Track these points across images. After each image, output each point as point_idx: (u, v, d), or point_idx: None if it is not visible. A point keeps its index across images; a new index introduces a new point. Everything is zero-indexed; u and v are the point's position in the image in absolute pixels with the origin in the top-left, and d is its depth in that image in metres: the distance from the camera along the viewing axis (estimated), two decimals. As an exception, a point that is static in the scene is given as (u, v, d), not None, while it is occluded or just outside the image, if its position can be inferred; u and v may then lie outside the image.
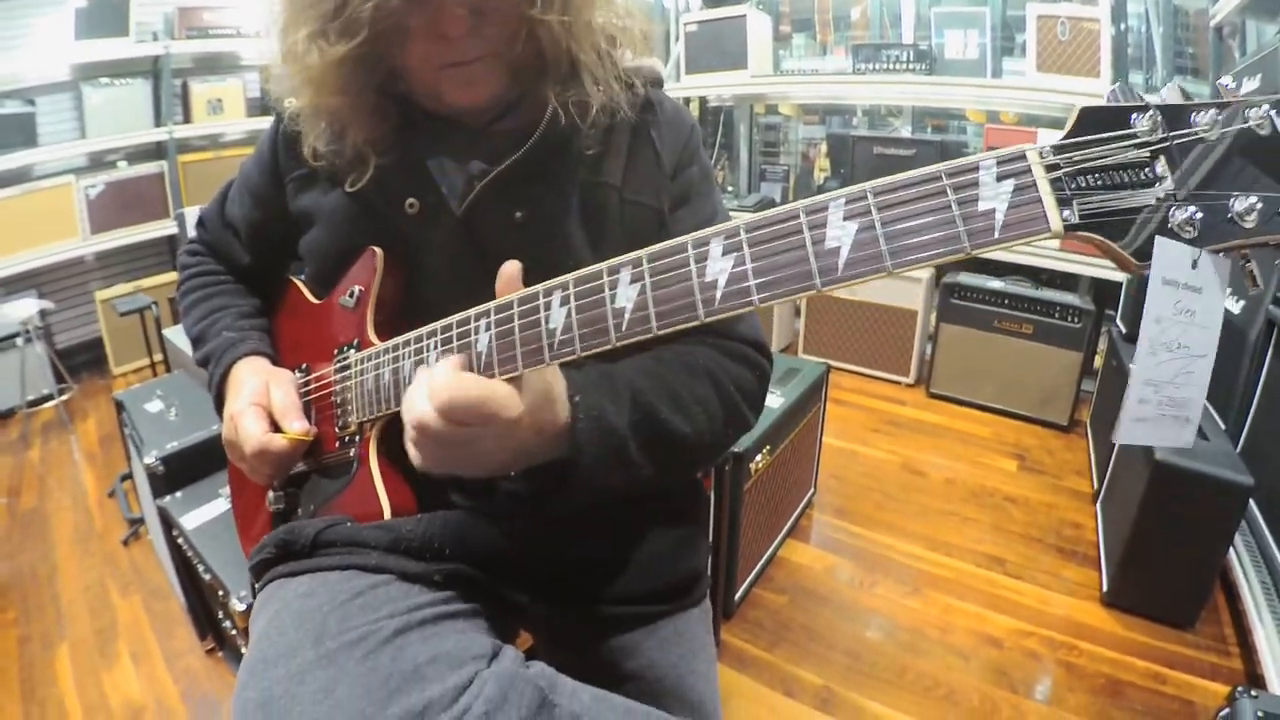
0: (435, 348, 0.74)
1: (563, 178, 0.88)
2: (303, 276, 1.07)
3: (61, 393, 3.68)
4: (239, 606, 1.48)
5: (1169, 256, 0.45)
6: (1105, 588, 2.14)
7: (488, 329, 0.68)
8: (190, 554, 1.70)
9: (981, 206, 0.46)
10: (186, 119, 4.24)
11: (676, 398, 0.81)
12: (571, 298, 0.60)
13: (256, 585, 0.88)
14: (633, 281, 0.56)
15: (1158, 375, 0.49)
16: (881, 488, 2.78)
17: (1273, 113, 0.44)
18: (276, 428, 0.90)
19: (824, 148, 4.16)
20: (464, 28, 0.75)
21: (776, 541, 2.35)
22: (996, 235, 0.46)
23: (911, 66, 3.43)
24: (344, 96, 0.83)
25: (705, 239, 0.53)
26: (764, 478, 2.09)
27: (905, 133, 3.77)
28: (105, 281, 4.08)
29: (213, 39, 4.20)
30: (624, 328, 0.57)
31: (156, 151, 4.18)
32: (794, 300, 0.51)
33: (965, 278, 3.24)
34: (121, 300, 3.43)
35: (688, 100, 4.36)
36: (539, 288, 0.64)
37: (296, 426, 0.89)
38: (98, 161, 4.03)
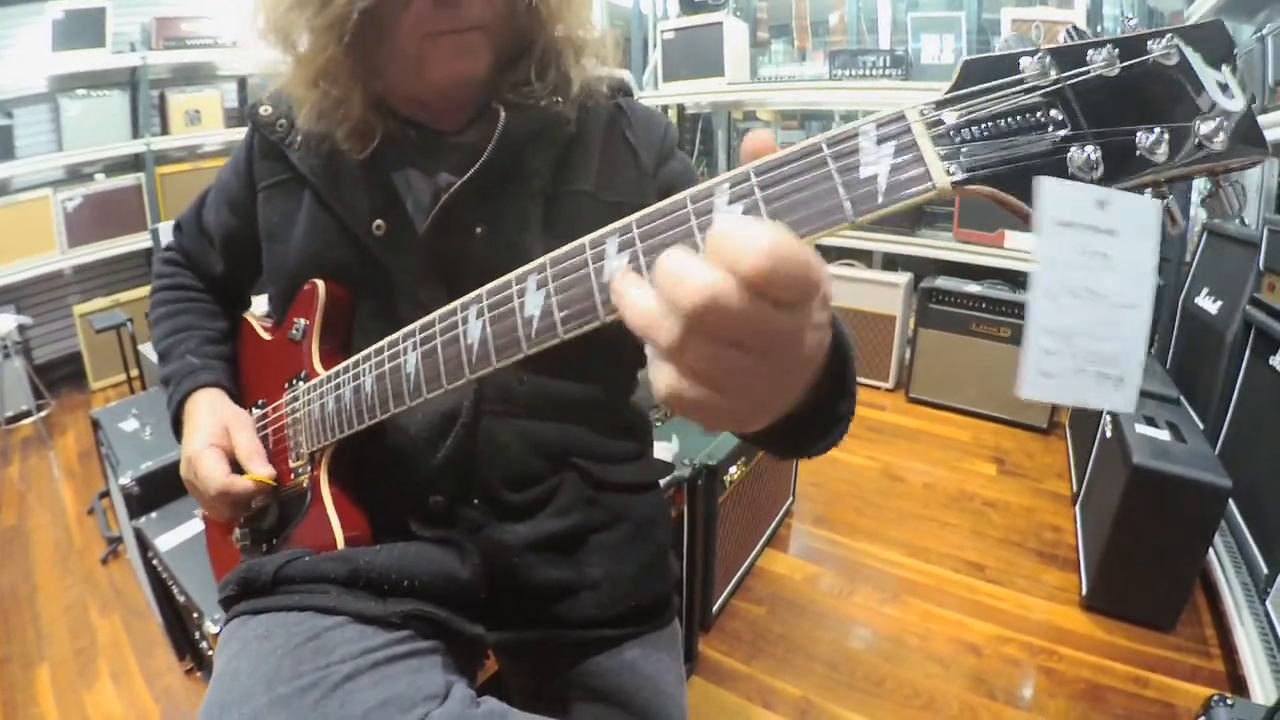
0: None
1: (522, 189, 0.86)
2: (253, 312, 1.08)
3: (40, 409, 3.65)
4: (213, 629, 1.47)
5: (1058, 197, 0.42)
6: (1085, 591, 2.15)
7: (414, 348, 0.67)
8: (165, 575, 1.69)
9: (864, 173, 0.44)
10: (164, 130, 4.23)
11: None
12: (485, 310, 0.59)
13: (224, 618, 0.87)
14: (539, 288, 0.55)
15: (1064, 324, 0.44)
16: (861, 494, 2.78)
17: (1179, 41, 0.43)
18: (237, 468, 0.90)
19: (803, 152, 4.16)
20: None
21: (755, 551, 2.35)
22: (880, 200, 0.44)
23: (888, 72, 3.45)
24: (344, 62, 0.79)
25: (601, 238, 0.52)
26: (740, 489, 2.09)
27: (884, 137, 3.78)
28: (83, 295, 4.05)
29: (190, 49, 4.18)
30: (534, 335, 0.56)
31: (134, 163, 4.15)
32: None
33: (943, 282, 3.26)
34: (97, 317, 3.41)
35: (665, 108, 4.35)
36: (457, 303, 0.63)
37: (262, 471, 0.90)
38: (75, 174, 4.01)
